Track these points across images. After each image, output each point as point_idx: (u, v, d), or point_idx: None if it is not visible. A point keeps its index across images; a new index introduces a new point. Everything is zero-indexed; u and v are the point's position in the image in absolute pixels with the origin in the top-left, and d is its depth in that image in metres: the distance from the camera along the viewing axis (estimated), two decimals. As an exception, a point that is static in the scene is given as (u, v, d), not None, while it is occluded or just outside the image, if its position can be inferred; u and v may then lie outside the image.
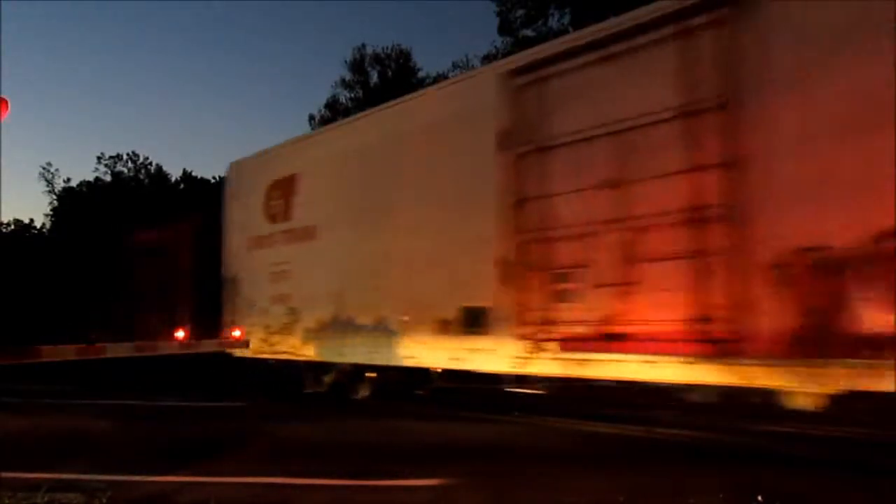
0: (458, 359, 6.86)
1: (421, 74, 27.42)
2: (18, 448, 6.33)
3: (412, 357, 7.40)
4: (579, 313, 5.84)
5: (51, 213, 32.73)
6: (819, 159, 4.59)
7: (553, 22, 19.81)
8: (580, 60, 6.01)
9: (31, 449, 6.37)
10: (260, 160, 10.13)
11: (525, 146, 6.32)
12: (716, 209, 5.03)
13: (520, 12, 20.20)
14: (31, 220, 31.86)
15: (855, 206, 4.43)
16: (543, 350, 6.07)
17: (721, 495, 4.19)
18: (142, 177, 33.64)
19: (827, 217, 4.53)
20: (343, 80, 27.79)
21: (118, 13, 62.92)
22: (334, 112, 27.55)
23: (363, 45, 27.93)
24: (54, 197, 33.25)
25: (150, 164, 34.38)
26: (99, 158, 34.18)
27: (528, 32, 20.22)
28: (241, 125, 69.18)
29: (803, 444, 5.86)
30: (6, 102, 5.26)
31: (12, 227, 30.35)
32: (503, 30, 20.72)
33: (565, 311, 5.95)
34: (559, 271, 6.01)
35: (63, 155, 70.77)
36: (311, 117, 28.21)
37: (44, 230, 30.78)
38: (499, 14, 20.50)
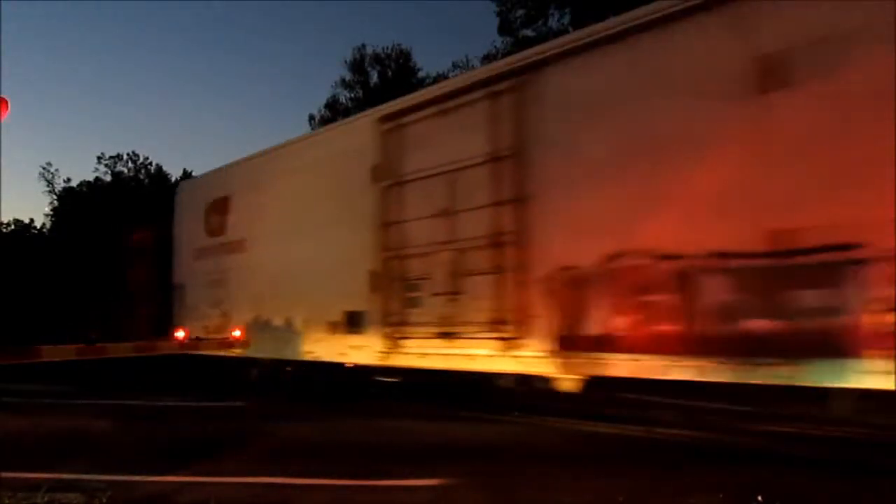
0: (343, 353, 8.19)
1: (421, 74, 27.45)
2: (18, 448, 6.33)
3: (311, 352, 8.68)
4: (422, 316, 7.23)
5: (51, 213, 32.73)
6: (574, 199, 5.98)
7: (553, 22, 19.84)
8: (425, 112, 7.44)
9: (31, 449, 6.38)
10: (202, 182, 11.84)
11: (389, 180, 7.74)
12: (509, 235, 6.41)
13: (520, 12, 20.21)
14: (31, 220, 31.87)
15: (595, 235, 5.76)
16: (399, 346, 7.46)
17: (721, 495, 4.19)
18: (142, 177, 33.63)
19: (578, 243, 5.90)
20: (343, 80, 27.82)
21: (118, 13, 62.95)
22: (334, 112, 27.53)
23: (363, 45, 27.94)
24: (54, 197, 33.23)
25: (150, 164, 34.40)
26: (99, 158, 34.17)
27: (528, 32, 20.23)
28: (241, 125, 69.18)
29: (803, 444, 5.87)
30: (6, 102, 5.26)
31: (12, 227, 30.38)
32: (503, 30, 20.73)
33: (414, 314, 7.33)
34: (410, 282, 7.40)
35: (63, 155, 70.72)
36: (311, 117, 28.23)
37: (44, 230, 30.80)
38: (499, 14, 20.52)
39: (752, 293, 4.88)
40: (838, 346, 4.41)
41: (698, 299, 5.14)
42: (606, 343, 5.67)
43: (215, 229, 10.77)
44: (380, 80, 27.52)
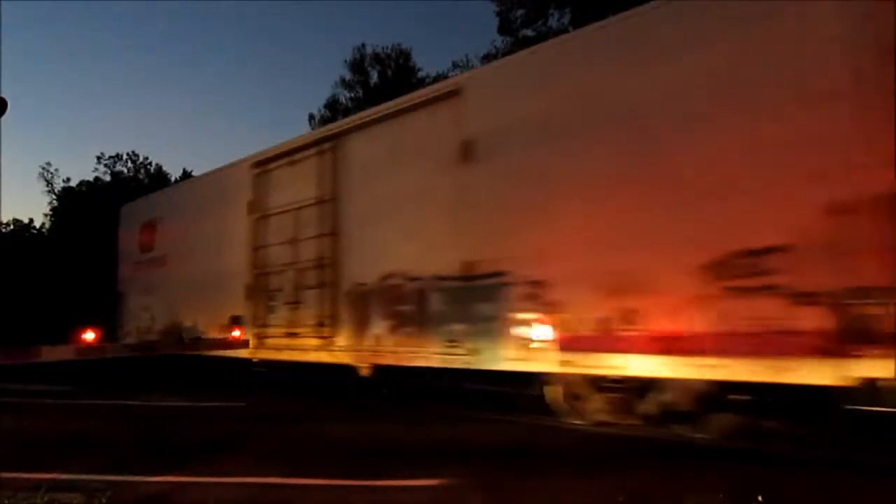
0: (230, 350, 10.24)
1: (421, 74, 27.44)
2: (18, 448, 6.33)
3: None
4: (277, 320, 9.52)
5: (51, 213, 32.74)
6: (363, 234, 8.34)
7: (553, 22, 19.84)
8: (281, 162, 9.84)
9: (31, 449, 6.37)
10: (138, 205, 14.04)
11: (258, 213, 10.06)
12: (327, 259, 8.75)
13: (520, 12, 20.23)
14: (31, 220, 31.87)
15: (376, 260, 8.06)
16: (263, 343, 9.71)
17: (721, 495, 4.19)
18: (142, 177, 33.65)
19: (365, 267, 8.20)
20: (343, 80, 27.83)
21: (118, 13, 62.94)
22: (334, 112, 27.54)
23: (363, 45, 27.97)
24: (54, 197, 33.24)
25: (150, 164, 34.46)
26: (99, 158, 34.21)
27: (528, 32, 20.25)
28: (241, 125, 69.18)
29: (803, 444, 5.86)
30: (6, 102, 5.27)
31: (12, 227, 30.37)
32: (503, 30, 20.75)
33: (272, 318, 9.62)
34: (271, 293, 9.68)
35: (63, 155, 70.84)
36: (311, 117, 28.25)
37: (43, 230, 30.79)
38: (499, 14, 20.53)
39: (454, 304, 7.13)
40: (497, 340, 6.68)
41: (427, 308, 7.41)
42: (380, 340, 7.97)
43: (146, 247, 12.98)
44: (380, 80, 27.53)
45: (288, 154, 9.65)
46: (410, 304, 7.57)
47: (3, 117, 5.48)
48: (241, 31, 66.81)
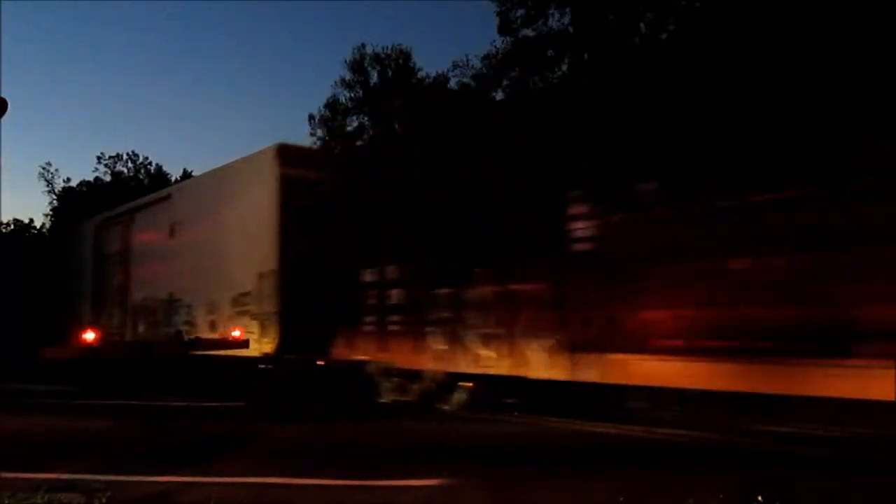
0: None
1: (421, 74, 27.41)
2: (18, 448, 6.33)
3: None
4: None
5: (50, 213, 32.74)
6: (137, 273, 13.71)
7: (553, 22, 19.80)
8: (118, 220, 14.60)
9: (31, 449, 6.37)
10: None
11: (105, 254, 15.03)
12: (125, 286, 14.38)
13: (520, 12, 20.17)
14: (31, 220, 31.87)
15: (146, 287, 13.32)
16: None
17: (721, 495, 4.19)
18: (142, 177, 33.63)
19: (143, 290, 13.30)
20: (343, 80, 27.75)
21: (118, 13, 62.91)
22: (334, 112, 27.53)
23: (363, 45, 27.86)
24: (54, 197, 33.24)
25: (150, 164, 34.42)
26: (99, 158, 34.13)
27: (528, 32, 20.21)
28: (242, 125, 69.14)
29: (803, 444, 5.86)
30: (6, 103, 5.26)
31: (12, 227, 30.37)
32: (503, 30, 20.68)
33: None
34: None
35: (63, 155, 70.79)
36: (311, 117, 28.20)
37: (44, 230, 30.79)
38: (499, 14, 20.47)
39: (167, 315, 12.34)
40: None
41: (161, 317, 12.40)
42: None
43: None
44: (380, 80, 27.48)
45: (123, 214, 14.59)
46: (160, 315, 12.66)
47: (4, 117, 5.48)
48: (241, 31, 66.80)
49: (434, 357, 7.10)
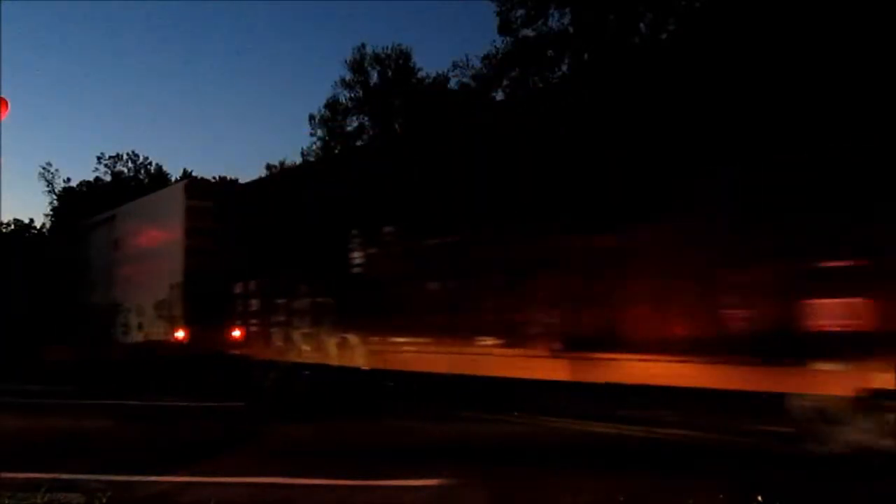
0: None
1: (421, 74, 27.41)
2: (18, 448, 6.33)
3: None
4: None
5: (51, 213, 32.78)
6: (96, 278, 14.69)
7: (553, 22, 19.78)
8: (98, 227, 15.13)
9: (31, 449, 6.37)
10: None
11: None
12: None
13: (520, 12, 20.15)
14: (31, 220, 31.90)
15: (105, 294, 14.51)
16: None
17: (721, 495, 4.19)
18: (142, 177, 33.66)
19: (95, 293, 14.75)
20: (343, 80, 27.74)
21: (118, 13, 62.91)
22: (334, 112, 27.53)
23: (363, 45, 27.84)
24: (54, 197, 33.28)
25: (150, 164, 34.45)
26: (99, 158, 34.18)
27: (528, 32, 20.19)
28: (242, 125, 69.15)
29: (803, 444, 5.86)
30: (6, 103, 5.27)
31: (12, 227, 30.40)
32: (503, 30, 20.65)
33: None
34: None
35: (63, 155, 70.76)
36: (311, 117, 28.20)
37: (44, 230, 30.81)
38: (499, 14, 20.45)
39: (117, 316, 13.41)
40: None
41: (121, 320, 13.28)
42: None
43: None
44: (380, 80, 27.48)
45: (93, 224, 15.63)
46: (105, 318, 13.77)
47: (4, 117, 5.48)
48: (241, 31, 66.74)
49: (276, 351, 9.17)
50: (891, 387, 4.48)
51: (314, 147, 27.84)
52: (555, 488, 4.62)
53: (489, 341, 6.39)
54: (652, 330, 5.27)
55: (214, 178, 31.17)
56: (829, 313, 4.50)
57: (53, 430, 7.45)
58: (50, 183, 33.42)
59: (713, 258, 5.06)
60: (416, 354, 7.12)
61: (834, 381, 4.54)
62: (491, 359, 6.29)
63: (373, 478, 4.96)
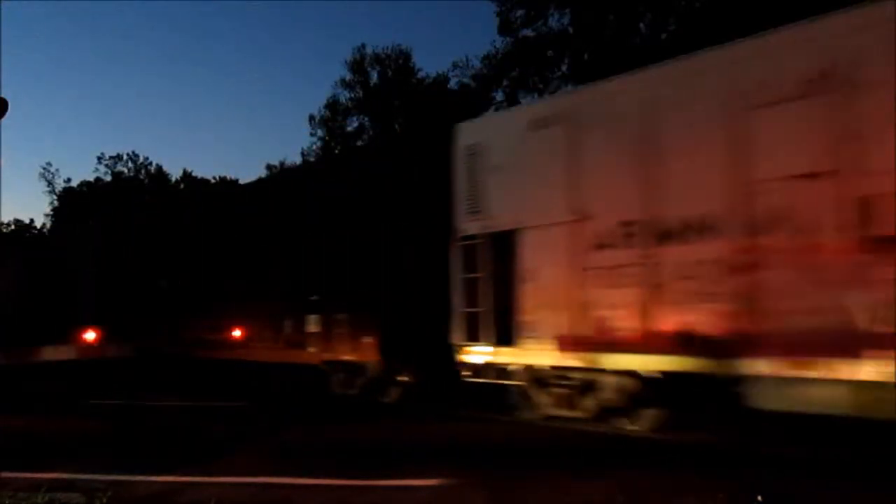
0: None
1: (421, 74, 27.42)
2: (18, 448, 6.33)
3: None
4: None
5: (51, 213, 32.79)
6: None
7: (553, 22, 19.79)
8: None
9: (31, 449, 6.37)
10: None
11: None
12: None
13: (520, 12, 20.15)
14: (31, 220, 31.92)
15: None
16: None
17: (721, 495, 4.19)
18: (142, 177, 33.67)
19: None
20: (343, 80, 27.76)
21: (119, 13, 62.98)
22: (334, 112, 27.54)
23: (363, 45, 27.89)
24: (54, 197, 33.29)
25: (150, 164, 34.45)
26: (99, 158, 34.21)
27: (528, 32, 20.20)
28: (242, 125, 69.21)
29: (803, 444, 5.86)
30: (6, 103, 5.27)
31: (12, 227, 30.41)
32: (503, 30, 20.67)
33: None
34: None
35: (63, 155, 70.89)
36: (311, 117, 28.22)
37: (44, 230, 30.83)
38: (499, 14, 20.45)
39: None
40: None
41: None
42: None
43: None
44: (380, 80, 27.50)
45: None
46: None
47: (4, 117, 5.49)
48: (241, 32, 66.83)
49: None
50: None
51: (314, 147, 27.88)
52: (554, 488, 4.62)
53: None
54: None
55: (214, 178, 31.25)
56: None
57: (53, 430, 7.45)
58: (50, 183, 33.49)
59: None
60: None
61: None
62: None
63: (373, 478, 4.96)
